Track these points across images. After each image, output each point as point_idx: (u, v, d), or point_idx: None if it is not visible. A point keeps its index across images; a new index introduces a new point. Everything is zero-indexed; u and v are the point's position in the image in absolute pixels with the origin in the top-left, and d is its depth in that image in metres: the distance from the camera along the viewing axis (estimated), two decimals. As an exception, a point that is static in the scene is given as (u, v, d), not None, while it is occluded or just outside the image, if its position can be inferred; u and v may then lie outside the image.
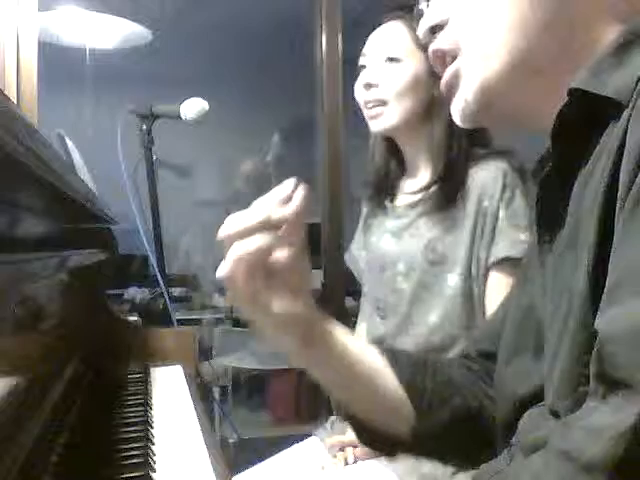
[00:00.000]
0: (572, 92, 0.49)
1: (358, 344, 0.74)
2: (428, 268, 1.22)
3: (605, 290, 0.42)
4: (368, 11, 2.88)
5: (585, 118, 0.49)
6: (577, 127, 0.50)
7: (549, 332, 0.55)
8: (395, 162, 1.35)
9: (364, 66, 1.29)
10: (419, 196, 1.28)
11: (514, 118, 0.59)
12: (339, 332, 0.70)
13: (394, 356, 0.75)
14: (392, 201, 1.35)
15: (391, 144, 1.33)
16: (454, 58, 0.58)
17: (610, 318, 0.40)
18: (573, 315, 0.48)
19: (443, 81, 0.60)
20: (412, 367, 0.75)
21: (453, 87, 0.59)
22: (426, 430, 0.73)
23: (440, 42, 0.59)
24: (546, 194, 0.57)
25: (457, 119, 0.60)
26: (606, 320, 0.41)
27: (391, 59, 1.25)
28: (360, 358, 0.72)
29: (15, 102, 1.64)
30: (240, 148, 4.24)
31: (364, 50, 1.30)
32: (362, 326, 1.38)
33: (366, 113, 1.28)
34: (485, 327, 0.85)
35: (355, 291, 2.79)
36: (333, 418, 1.38)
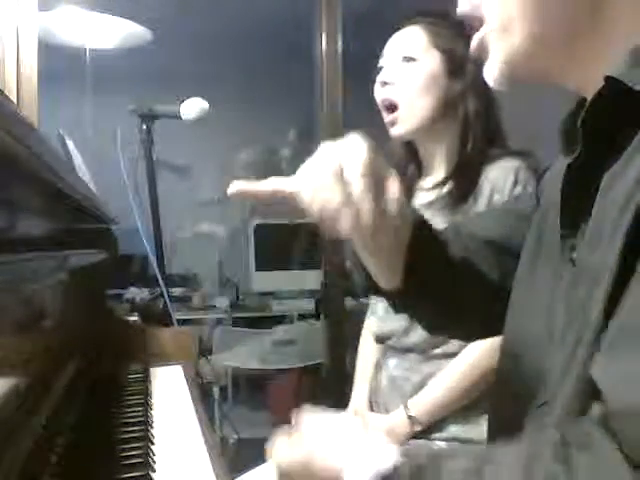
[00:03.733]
0: (608, 79, 0.47)
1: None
2: None
3: (608, 329, 0.40)
4: (369, 10, 2.88)
5: (620, 109, 0.47)
6: (610, 117, 0.48)
7: (560, 342, 0.53)
8: (413, 165, 1.36)
9: (382, 67, 1.32)
10: (433, 194, 1.29)
11: (546, 82, 0.58)
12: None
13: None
14: (409, 201, 1.36)
15: (409, 146, 1.35)
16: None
17: (612, 378, 0.39)
18: (584, 341, 0.46)
19: (472, 47, 0.60)
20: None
21: (481, 54, 0.59)
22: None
23: (464, 5, 0.59)
24: (573, 178, 0.54)
25: (489, 83, 0.60)
26: (608, 379, 0.39)
27: (407, 59, 1.27)
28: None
29: (15, 102, 1.64)
30: (240, 148, 4.23)
31: (383, 52, 1.33)
32: (371, 320, 1.40)
33: (385, 118, 1.30)
34: (491, 223, 0.79)
35: (355, 291, 2.80)
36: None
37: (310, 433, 0.53)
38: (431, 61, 1.26)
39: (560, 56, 0.54)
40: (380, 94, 1.30)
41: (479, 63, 0.61)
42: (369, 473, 0.44)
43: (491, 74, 0.59)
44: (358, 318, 1.51)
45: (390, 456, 0.45)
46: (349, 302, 2.65)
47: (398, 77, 1.28)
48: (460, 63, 1.26)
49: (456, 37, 1.27)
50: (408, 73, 1.27)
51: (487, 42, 0.58)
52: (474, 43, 0.59)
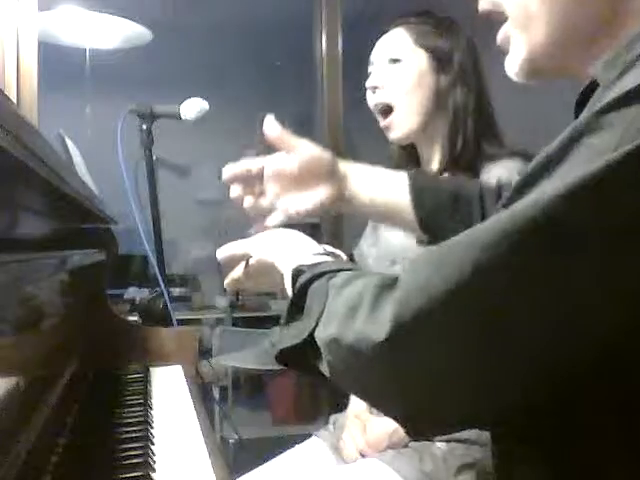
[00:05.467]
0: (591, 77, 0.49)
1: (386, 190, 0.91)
2: None
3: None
4: (368, 10, 2.88)
5: None
6: None
7: None
8: (413, 165, 1.37)
9: (371, 73, 1.32)
10: None
11: (565, 77, 0.60)
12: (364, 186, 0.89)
13: (419, 196, 0.89)
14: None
15: (408, 146, 1.36)
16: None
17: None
18: None
19: (498, 40, 0.62)
20: (435, 207, 0.88)
21: (505, 47, 0.61)
22: None
23: (485, 2, 0.62)
24: None
25: (511, 76, 0.62)
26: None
27: (393, 60, 1.29)
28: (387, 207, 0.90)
29: (15, 102, 1.64)
30: (240, 148, 4.22)
31: (370, 58, 1.34)
32: None
33: (380, 123, 1.31)
34: None
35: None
36: (334, 417, 1.38)
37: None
38: (417, 60, 1.28)
39: (579, 54, 0.56)
40: (372, 99, 1.31)
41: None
42: (293, 266, 0.64)
43: (512, 68, 0.61)
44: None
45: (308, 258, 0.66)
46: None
47: (387, 80, 1.29)
48: (446, 58, 1.27)
49: (440, 33, 1.28)
50: (396, 74, 1.28)
51: (509, 39, 0.60)
52: (499, 36, 0.61)
